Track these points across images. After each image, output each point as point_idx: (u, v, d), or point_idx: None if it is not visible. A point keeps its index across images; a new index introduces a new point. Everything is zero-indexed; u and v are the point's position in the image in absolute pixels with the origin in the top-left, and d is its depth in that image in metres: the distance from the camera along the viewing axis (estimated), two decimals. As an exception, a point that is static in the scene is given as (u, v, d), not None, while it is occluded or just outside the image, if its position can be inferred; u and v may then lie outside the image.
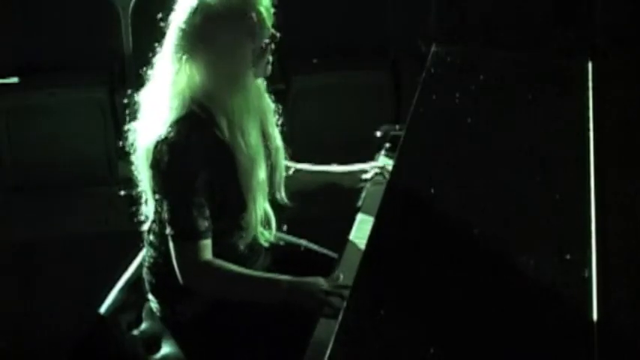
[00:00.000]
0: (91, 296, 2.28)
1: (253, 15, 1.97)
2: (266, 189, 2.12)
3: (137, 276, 2.27)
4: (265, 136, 2.20)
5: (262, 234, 2.14)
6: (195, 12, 1.97)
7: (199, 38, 1.97)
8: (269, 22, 2.01)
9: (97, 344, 2.16)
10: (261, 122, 2.19)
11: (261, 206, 2.10)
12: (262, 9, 1.98)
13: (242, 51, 1.98)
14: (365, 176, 2.48)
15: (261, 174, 2.07)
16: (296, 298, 1.98)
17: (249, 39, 1.98)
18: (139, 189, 2.15)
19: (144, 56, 2.10)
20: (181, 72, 2.00)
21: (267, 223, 2.17)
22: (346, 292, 1.86)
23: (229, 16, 1.95)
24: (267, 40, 2.02)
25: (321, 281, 1.99)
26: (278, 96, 2.26)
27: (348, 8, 4.42)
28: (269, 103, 2.21)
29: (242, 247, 2.12)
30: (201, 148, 1.98)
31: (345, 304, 1.74)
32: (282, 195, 2.26)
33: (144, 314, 2.22)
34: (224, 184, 2.03)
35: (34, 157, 4.09)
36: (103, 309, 2.19)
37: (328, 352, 1.56)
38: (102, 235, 3.56)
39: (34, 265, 3.60)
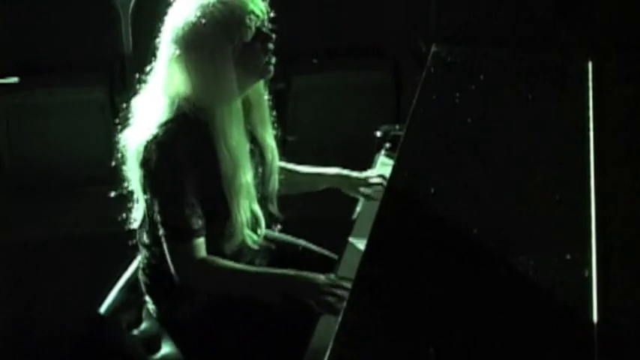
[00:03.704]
0: (91, 296, 2.28)
1: (230, 16, 1.97)
2: (252, 191, 2.12)
3: (137, 276, 2.27)
4: (262, 147, 2.20)
5: (249, 236, 2.13)
6: (179, 21, 1.99)
7: (185, 45, 1.98)
8: (252, 22, 2.00)
9: (97, 344, 2.16)
10: (258, 131, 2.19)
11: (247, 209, 2.10)
12: (242, 10, 1.99)
13: (221, 53, 1.98)
14: (365, 190, 2.46)
15: (246, 177, 2.07)
16: (295, 293, 1.98)
17: (227, 40, 1.98)
18: (130, 188, 2.15)
19: (144, 56, 2.10)
20: (172, 75, 2.01)
21: (255, 225, 2.16)
22: (345, 291, 1.87)
23: (206, 21, 1.96)
24: (249, 40, 2.02)
25: (321, 277, 1.99)
26: (278, 96, 2.26)
27: (348, 8, 4.43)
28: (268, 115, 2.21)
29: (228, 250, 2.12)
30: (189, 149, 1.98)
31: (344, 302, 1.74)
32: (274, 207, 2.26)
33: (144, 314, 2.22)
34: (210, 186, 2.03)
35: (34, 157, 4.09)
36: (103, 309, 2.19)
37: (328, 352, 1.56)
38: (102, 235, 3.56)
39: (34, 265, 3.60)
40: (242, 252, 2.16)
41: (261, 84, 2.16)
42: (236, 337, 2.11)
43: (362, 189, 2.45)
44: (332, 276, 2.02)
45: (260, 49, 2.03)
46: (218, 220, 2.07)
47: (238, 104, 2.06)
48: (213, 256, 2.05)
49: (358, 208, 2.43)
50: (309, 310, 1.94)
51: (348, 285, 1.89)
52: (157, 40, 2.05)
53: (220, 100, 2.00)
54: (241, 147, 2.06)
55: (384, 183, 2.44)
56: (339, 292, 1.93)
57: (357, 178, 2.46)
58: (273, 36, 2.06)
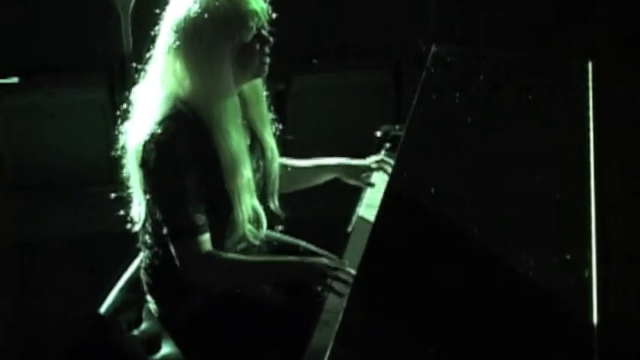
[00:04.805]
0: (91, 296, 2.27)
1: (233, 14, 1.97)
2: (253, 187, 2.12)
3: (137, 276, 2.26)
4: (261, 145, 2.20)
5: (251, 232, 2.14)
6: (181, 11, 1.99)
7: (184, 37, 1.98)
8: (253, 23, 2.01)
9: (97, 344, 2.15)
10: (258, 129, 2.19)
11: (249, 205, 2.10)
12: (245, 9, 1.99)
13: (220, 50, 1.98)
14: (366, 177, 2.47)
15: (247, 173, 2.07)
16: (302, 278, 2.02)
17: (227, 38, 1.98)
18: (130, 190, 2.15)
19: (144, 56, 2.10)
20: (170, 71, 2.02)
21: (256, 221, 2.17)
22: (349, 275, 1.92)
23: (209, 15, 1.96)
24: (248, 40, 2.02)
25: (324, 261, 2.02)
26: (278, 96, 2.26)
27: (348, 8, 4.43)
28: (266, 112, 2.21)
29: (230, 245, 2.12)
30: (188, 147, 1.98)
31: (349, 285, 1.75)
32: (275, 205, 2.27)
33: (144, 314, 2.21)
34: (211, 182, 2.03)
35: (34, 157, 4.09)
36: (103, 309, 2.19)
37: (328, 352, 1.56)
38: (102, 235, 3.56)
39: (34, 265, 3.60)
40: (243, 248, 2.16)
41: (259, 82, 2.16)
42: (236, 337, 2.11)
43: (363, 175, 2.46)
44: (335, 259, 2.06)
45: (258, 50, 2.04)
46: (219, 216, 2.07)
47: (236, 100, 2.06)
48: (218, 250, 2.05)
49: (354, 219, 2.41)
50: (316, 293, 1.96)
51: (352, 270, 1.93)
52: (157, 27, 2.05)
53: (217, 96, 2.00)
54: (240, 143, 2.06)
55: (386, 168, 2.45)
56: (343, 275, 1.95)
57: (358, 165, 2.47)
58: (271, 39, 2.06)
